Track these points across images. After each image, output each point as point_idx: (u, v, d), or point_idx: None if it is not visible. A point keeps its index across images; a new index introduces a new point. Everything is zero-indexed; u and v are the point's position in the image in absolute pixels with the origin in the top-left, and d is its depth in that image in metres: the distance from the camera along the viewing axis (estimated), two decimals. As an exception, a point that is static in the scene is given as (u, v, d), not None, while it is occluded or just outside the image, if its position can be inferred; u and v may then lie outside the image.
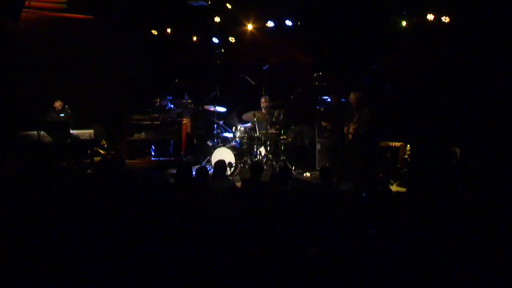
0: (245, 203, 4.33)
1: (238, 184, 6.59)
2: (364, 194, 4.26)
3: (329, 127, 8.27)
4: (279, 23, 9.59)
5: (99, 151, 8.79)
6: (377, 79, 8.69)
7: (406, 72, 8.38)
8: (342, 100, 8.66)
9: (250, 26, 9.86)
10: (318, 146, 8.99)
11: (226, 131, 9.27)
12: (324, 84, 9.01)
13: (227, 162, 8.39)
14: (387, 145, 7.99)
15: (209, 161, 8.79)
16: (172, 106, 10.00)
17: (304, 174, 8.61)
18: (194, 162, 9.60)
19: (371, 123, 7.33)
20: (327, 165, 7.88)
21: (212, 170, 8.06)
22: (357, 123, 7.30)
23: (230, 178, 8.32)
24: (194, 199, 4.50)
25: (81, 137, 8.97)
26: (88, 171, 7.45)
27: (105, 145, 9.11)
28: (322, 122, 8.48)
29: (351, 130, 7.42)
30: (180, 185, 5.29)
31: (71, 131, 8.93)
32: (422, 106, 7.94)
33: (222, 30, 10.20)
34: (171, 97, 10.11)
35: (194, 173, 6.03)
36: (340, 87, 8.87)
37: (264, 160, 8.53)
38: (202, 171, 5.70)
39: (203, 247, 3.39)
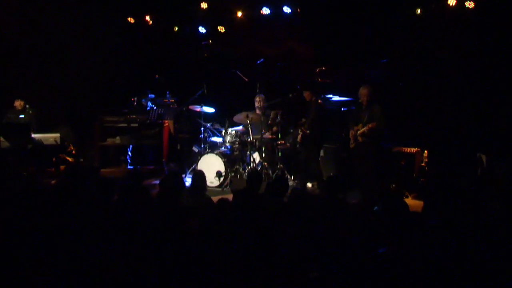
0: (237, 219, 4.26)
1: (229, 196, 6.51)
2: (375, 208, 4.21)
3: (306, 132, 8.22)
4: (276, 10, 9.59)
5: (66, 158, 8.71)
6: (389, 74, 8.67)
7: (423, 66, 8.37)
8: (348, 98, 8.64)
9: (242, 13, 9.84)
10: (322, 153, 8.95)
11: (215, 135, 9.22)
12: (328, 80, 8.98)
13: (215, 171, 8.38)
14: (401, 151, 7.97)
15: (195, 170, 8.73)
16: (153, 106, 9.94)
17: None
18: (177, 171, 9.55)
19: (384, 121, 7.29)
20: (331, 174, 7.85)
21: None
22: (368, 122, 7.25)
23: (219, 189, 8.29)
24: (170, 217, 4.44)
25: (45, 142, 8.91)
26: (53, 181, 7.36)
27: (73, 152, 9.03)
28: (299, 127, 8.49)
29: (359, 132, 7.37)
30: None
31: (33, 135, 8.85)
32: (441, 105, 7.93)
33: (209, 18, 10.17)
34: (153, 96, 10.05)
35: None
36: (346, 84, 8.85)
37: (259, 168, 8.48)
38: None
39: (187, 272, 3.34)
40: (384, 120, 7.28)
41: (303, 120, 8.33)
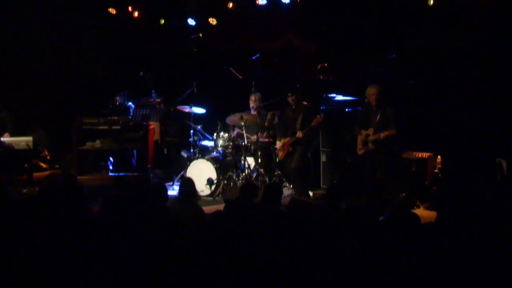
0: (230, 232, 4.24)
1: (221, 206, 6.48)
2: (381, 219, 4.19)
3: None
4: (273, 0, 9.56)
5: (39, 165, 8.66)
6: (398, 71, 8.67)
7: (435, 63, 8.36)
8: (353, 98, 8.63)
9: (235, 4, 9.82)
10: (323, 158, 8.95)
11: (205, 138, 9.19)
12: (331, 78, 8.96)
13: (206, 178, 8.35)
14: (411, 156, 7.95)
15: (183, 177, 8.70)
16: (128, 104, 9.89)
17: (306, 193, 8.54)
18: (164, 178, 9.51)
19: (400, 125, 7.25)
20: (334, 182, 7.82)
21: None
22: (381, 126, 7.19)
23: (211, 198, 8.26)
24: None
25: (16, 147, 8.86)
26: (25, 190, 7.33)
27: (48, 157, 8.99)
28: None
29: (371, 139, 7.31)
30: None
31: (2, 139, 8.79)
32: (456, 105, 7.91)
33: (200, 9, 10.15)
34: (125, 93, 9.99)
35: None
36: (351, 82, 8.83)
37: (254, 175, 8.48)
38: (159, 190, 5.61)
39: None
40: (402, 123, 7.24)
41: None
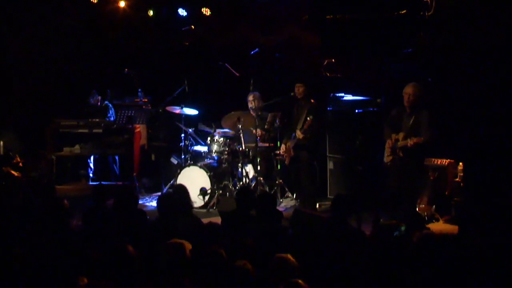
0: (228, 247, 4.25)
1: (215, 219, 6.49)
2: (396, 233, 4.18)
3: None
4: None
5: (10, 173, 8.64)
6: (414, 68, 8.66)
7: (456, 58, 8.35)
8: (363, 98, 8.63)
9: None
10: (330, 165, 8.95)
11: (198, 143, 9.19)
12: (338, 75, 8.96)
13: (199, 188, 8.35)
14: (430, 163, 7.93)
15: (174, 185, 8.70)
16: (107, 103, 9.88)
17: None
18: (151, 188, 9.51)
19: (433, 132, 7.14)
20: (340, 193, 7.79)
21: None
22: (413, 131, 7.12)
23: (204, 210, 8.25)
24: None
25: (-17, 153, 8.88)
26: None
27: (20, 164, 8.96)
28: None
29: (400, 144, 7.23)
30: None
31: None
32: (480, 106, 7.89)
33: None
34: (95, 91, 9.98)
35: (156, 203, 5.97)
36: (361, 80, 8.83)
37: (253, 184, 8.48)
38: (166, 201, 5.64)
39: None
40: (435, 132, 7.14)
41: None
